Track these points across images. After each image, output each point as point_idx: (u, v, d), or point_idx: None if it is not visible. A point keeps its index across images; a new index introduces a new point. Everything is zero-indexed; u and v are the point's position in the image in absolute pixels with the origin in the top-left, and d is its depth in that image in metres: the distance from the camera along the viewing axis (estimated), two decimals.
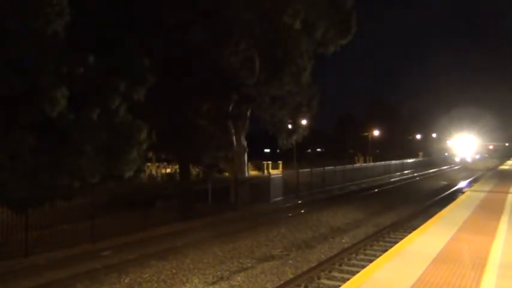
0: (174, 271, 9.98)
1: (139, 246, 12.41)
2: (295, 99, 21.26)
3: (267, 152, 62.09)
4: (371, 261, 8.69)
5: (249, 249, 11.95)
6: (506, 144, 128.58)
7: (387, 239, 13.01)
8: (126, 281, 9.38)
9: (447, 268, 6.94)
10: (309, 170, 26.81)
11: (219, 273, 9.83)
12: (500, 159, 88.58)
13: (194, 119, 19.57)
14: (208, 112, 19.84)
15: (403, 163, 47.91)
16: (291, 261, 10.70)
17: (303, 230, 14.74)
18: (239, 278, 9.41)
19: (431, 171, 52.07)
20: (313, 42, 20.47)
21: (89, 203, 13.17)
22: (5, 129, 10.30)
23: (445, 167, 62.83)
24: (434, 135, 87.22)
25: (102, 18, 14.04)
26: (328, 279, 9.18)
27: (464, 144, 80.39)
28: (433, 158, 74.53)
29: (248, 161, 22.55)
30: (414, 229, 11.40)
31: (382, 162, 42.41)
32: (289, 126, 23.25)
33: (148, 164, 28.09)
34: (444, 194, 25.29)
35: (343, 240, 13.13)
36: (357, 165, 38.91)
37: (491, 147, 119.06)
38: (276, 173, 29.05)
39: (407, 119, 76.77)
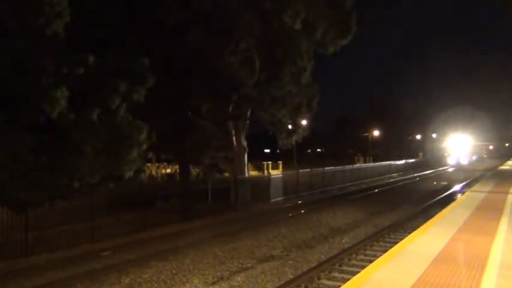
0: (174, 271, 9.98)
1: (139, 246, 12.42)
2: (295, 99, 21.24)
3: (267, 152, 62.06)
4: (371, 261, 8.69)
5: (249, 250, 11.95)
6: (506, 144, 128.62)
7: (387, 239, 13.00)
8: (126, 281, 9.38)
9: (447, 268, 6.94)
10: (309, 170, 26.82)
11: (219, 273, 9.83)
12: (499, 160, 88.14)
13: (194, 119, 19.57)
14: (208, 112, 19.83)
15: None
16: (291, 262, 10.70)
17: (303, 230, 14.73)
18: (239, 278, 9.40)
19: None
20: (313, 43, 20.46)
21: (89, 203, 13.18)
22: (5, 129, 10.29)
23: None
24: (434, 135, 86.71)
25: (102, 18, 14.03)
26: (328, 279, 9.18)
27: (460, 144, 76.46)
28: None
29: (248, 161, 22.55)
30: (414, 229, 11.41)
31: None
32: (289, 126, 23.24)
33: (149, 164, 28.11)
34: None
35: (343, 241, 13.13)
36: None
37: (491, 147, 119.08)
38: (276, 173, 29.06)
39: (408, 119, 76.68)
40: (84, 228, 12.87)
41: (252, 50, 19.44)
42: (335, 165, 30.93)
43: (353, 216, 17.66)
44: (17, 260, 10.75)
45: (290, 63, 20.17)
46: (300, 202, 21.99)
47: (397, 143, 69.30)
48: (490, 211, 13.66)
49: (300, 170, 26.33)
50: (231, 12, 17.56)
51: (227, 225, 15.49)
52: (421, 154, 72.41)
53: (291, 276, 9.35)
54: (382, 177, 38.32)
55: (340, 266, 10.13)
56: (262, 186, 21.68)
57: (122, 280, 9.42)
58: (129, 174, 12.90)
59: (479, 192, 19.89)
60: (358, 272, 7.24)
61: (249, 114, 21.20)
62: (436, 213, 13.79)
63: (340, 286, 6.99)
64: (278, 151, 42.59)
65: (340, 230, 14.92)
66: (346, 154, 64.97)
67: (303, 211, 19.01)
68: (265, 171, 38.06)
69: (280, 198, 22.02)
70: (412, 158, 58.70)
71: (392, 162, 45.52)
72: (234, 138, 20.80)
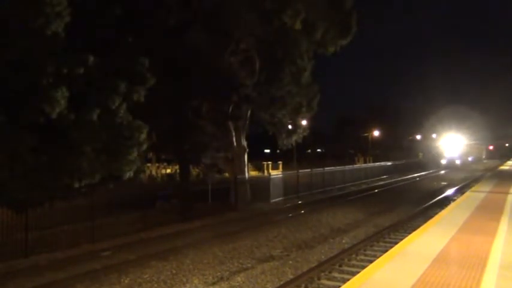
0: (174, 271, 9.98)
1: (139, 246, 12.42)
2: (295, 99, 21.24)
3: (267, 153, 62.08)
4: (371, 261, 8.69)
5: (249, 250, 11.95)
6: (506, 144, 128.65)
7: (387, 240, 13.00)
8: (126, 281, 9.38)
9: (447, 268, 6.94)
10: (309, 170, 26.82)
11: (219, 273, 9.83)
12: (499, 160, 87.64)
13: (194, 119, 19.56)
14: (208, 112, 19.82)
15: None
16: (291, 262, 10.70)
17: (303, 230, 14.73)
18: (239, 279, 9.40)
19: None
20: (313, 43, 20.46)
21: (89, 203, 13.19)
22: (5, 129, 10.29)
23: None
24: (434, 135, 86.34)
25: (102, 18, 14.03)
26: (328, 279, 9.18)
27: (454, 144, 69.72)
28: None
29: (248, 161, 22.54)
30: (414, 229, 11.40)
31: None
32: (289, 126, 23.24)
33: (149, 164, 28.12)
34: None
35: (343, 241, 13.13)
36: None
37: (491, 147, 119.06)
38: (276, 173, 29.05)
39: (408, 119, 76.62)
40: (84, 228, 12.87)
41: (252, 50, 19.45)
42: (335, 165, 30.95)
43: (353, 216, 17.67)
44: (17, 260, 10.74)
45: (290, 63, 20.18)
46: (300, 202, 21.99)
47: (397, 143, 69.26)
48: (490, 211, 13.66)
49: (300, 170, 26.33)
50: (231, 12, 17.56)
51: (227, 226, 15.49)
52: (421, 154, 72.17)
53: (291, 277, 9.35)
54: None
55: (340, 266, 10.13)
56: (262, 186, 21.69)
57: (122, 280, 9.42)
58: (129, 174, 12.89)
59: (479, 192, 19.90)
60: (358, 272, 7.25)
61: (249, 114, 21.20)
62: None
63: (340, 286, 6.99)
64: (278, 151, 42.59)
65: (340, 230, 14.92)
66: (346, 154, 64.95)
67: (303, 211, 19.01)
68: (265, 171, 38.05)
69: (280, 199, 22.02)
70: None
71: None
72: (234, 138, 20.80)
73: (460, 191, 26.25)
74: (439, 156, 71.47)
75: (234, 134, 20.80)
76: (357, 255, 11.15)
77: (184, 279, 9.43)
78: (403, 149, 68.09)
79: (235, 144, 20.84)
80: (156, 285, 9.18)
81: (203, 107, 19.60)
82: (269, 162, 40.58)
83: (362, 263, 10.04)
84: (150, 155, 25.75)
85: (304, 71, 20.84)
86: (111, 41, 14.13)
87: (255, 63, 19.79)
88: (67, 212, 13.02)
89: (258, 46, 19.28)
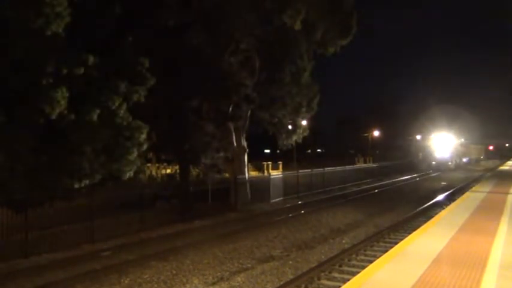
0: (174, 272, 9.97)
1: (139, 246, 12.41)
2: (295, 99, 21.25)
3: (267, 153, 62.03)
4: (371, 261, 8.68)
5: (249, 250, 11.95)
6: (507, 144, 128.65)
7: (387, 240, 13.00)
8: (126, 281, 9.38)
9: (447, 269, 6.94)
10: (309, 170, 26.82)
11: (219, 273, 9.83)
12: (498, 161, 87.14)
13: (194, 119, 19.55)
14: (208, 112, 19.81)
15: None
16: (291, 262, 10.70)
17: (303, 230, 14.73)
18: (239, 279, 9.40)
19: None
20: (313, 43, 20.47)
21: (89, 203, 13.18)
22: (5, 129, 10.29)
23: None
24: (433, 135, 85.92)
25: (102, 18, 14.02)
26: (328, 279, 9.17)
27: (446, 144, 58.79)
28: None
29: (248, 161, 22.54)
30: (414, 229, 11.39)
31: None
32: (289, 126, 23.24)
33: (149, 164, 28.06)
34: None
35: (343, 241, 13.12)
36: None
37: (491, 147, 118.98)
38: (276, 173, 29.05)
39: (408, 119, 76.54)
40: (84, 228, 12.87)
41: (252, 50, 19.45)
42: (335, 166, 30.93)
43: (353, 216, 17.67)
44: (17, 260, 10.74)
45: (290, 64, 20.19)
46: (300, 202, 21.99)
47: (397, 143, 69.20)
48: (490, 211, 13.66)
49: (300, 171, 26.33)
50: (231, 12, 17.56)
51: (227, 226, 15.48)
52: (421, 155, 71.92)
53: (291, 277, 9.34)
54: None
55: (340, 266, 10.12)
56: (262, 186, 21.68)
57: (122, 280, 9.41)
58: (129, 174, 12.90)
59: (479, 193, 19.89)
60: (358, 273, 7.24)
61: (249, 114, 21.21)
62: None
63: (340, 286, 6.99)
64: (278, 151, 42.50)
65: (340, 230, 14.91)
66: (346, 154, 64.91)
67: (303, 211, 19.00)
68: (265, 171, 38.02)
69: (280, 199, 22.02)
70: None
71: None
72: (234, 138, 20.80)
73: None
74: (429, 156, 60.70)
75: (234, 134, 20.79)
76: (357, 255, 11.15)
77: (184, 280, 9.43)
78: (403, 149, 67.93)
79: (235, 144, 20.83)
80: (156, 285, 9.18)
81: (203, 107, 19.58)
82: (269, 163, 40.53)
83: (362, 263, 10.04)
84: (150, 155, 25.70)
85: (304, 71, 20.85)
86: (111, 41, 14.13)
87: (255, 63, 19.79)
88: (67, 212, 13.01)
89: (258, 46, 19.28)
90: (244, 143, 21.50)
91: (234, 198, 19.65)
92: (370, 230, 14.68)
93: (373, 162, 50.02)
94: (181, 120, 18.74)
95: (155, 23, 16.13)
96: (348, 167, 33.23)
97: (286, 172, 27.05)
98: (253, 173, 33.04)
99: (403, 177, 40.31)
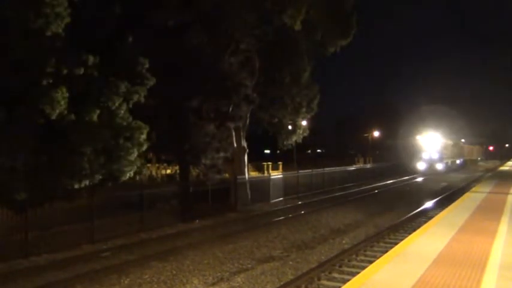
0: (174, 272, 9.97)
1: (139, 247, 12.41)
2: (295, 99, 21.26)
3: (267, 153, 61.99)
4: (371, 262, 8.67)
5: (249, 250, 11.94)
6: (506, 145, 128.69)
7: (387, 240, 12.99)
8: (126, 282, 9.37)
9: (447, 269, 6.93)
10: (309, 171, 26.82)
11: (219, 274, 9.82)
12: (498, 161, 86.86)
13: (194, 119, 19.55)
14: (208, 113, 19.81)
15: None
16: (291, 262, 10.69)
17: (303, 230, 14.72)
18: (239, 279, 9.40)
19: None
20: (313, 43, 20.48)
21: (89, 203, 13.17)
22: (5, 129, 10.28)
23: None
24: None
25: (102, 18, 14.02)
26: (328, 280, 9.17)
27: (437, 144, 52.03)
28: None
29: (248, 161, 22.54)
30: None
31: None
32: (289, 127, 23.24)
33: (149, 165, 28.05)
34: None
35: (344, 241, 13.12)
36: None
37: (491, 148, 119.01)
38: (276, 174, 29.06)
39: (408, 119, 76.41)
40: (84, 228, 12.86)
41: (252, 51, 19.45)
42: (335, 166, 30.95)
43: (353, 216, 17.66)
44: (17, 261, 10.73)
45: (290, 64, 20.19)
46: (300, 203, 21.98)
47: (397, 144, 69.12)
48: (490, 211, 13.64)
49: (300, 171, 26.32)
50: (231, 12, 17.56)
51: (227, 226, 15.48)
52: (408, 155, 71.36)
53: (291, 277, 9.34)
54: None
55: (340, 266, 10.12)
56: (262, 187, 21.68)
57: (122, 281, 9.41)
58: (129, 174, 12.88)
59: (479, 193, 19.88)
60: (358, 273, 7.24)
61: (249, 114, 21.21)
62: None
63: (340, 287, 6.98)
64: (278, 152, 42.50)
65: (340, 230, 14.91)
66: (346, 155, 64.85)
67: (303, 212, 19.00)
68: (265, 171, 37.99)
69: (280, 199, 22.02)
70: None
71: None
72: (234, 138, 20.79)
73: None
74: (415, 158, 52.60)
75: (234, 134, 20.79)
76: (357, 255, 11.14)
77: (185, 280, 9.43)
78: (404, 150, 67.78)
79: (235, 144, 20.83)
80: (156, 285, 9.18)
81: (203, 107, 19.58)
82: (269, 163, 40.47)
83: (362, 264, 10.04)
84: (150, 155, 25.69)
85: (304, 72, 20.86)
86: (111, 41, 14.12)
87: (255, 63, 19.79)
88: (67, 212, 13.00)
89: (258, 46, 19.28)
90: (244, 143, 21.50)
91: (234, 199, 19.65)
92: (370, 230, 14.68)
93: (373, 162, 49.95)
94: (181, 120, 18.73)
95: (155, 23, 16.12)
96: (348, 168, 33.43)
97: (286, 172, 27.05)
98: (253, 174, 33.00)
99: (403, 178, 40.70)
